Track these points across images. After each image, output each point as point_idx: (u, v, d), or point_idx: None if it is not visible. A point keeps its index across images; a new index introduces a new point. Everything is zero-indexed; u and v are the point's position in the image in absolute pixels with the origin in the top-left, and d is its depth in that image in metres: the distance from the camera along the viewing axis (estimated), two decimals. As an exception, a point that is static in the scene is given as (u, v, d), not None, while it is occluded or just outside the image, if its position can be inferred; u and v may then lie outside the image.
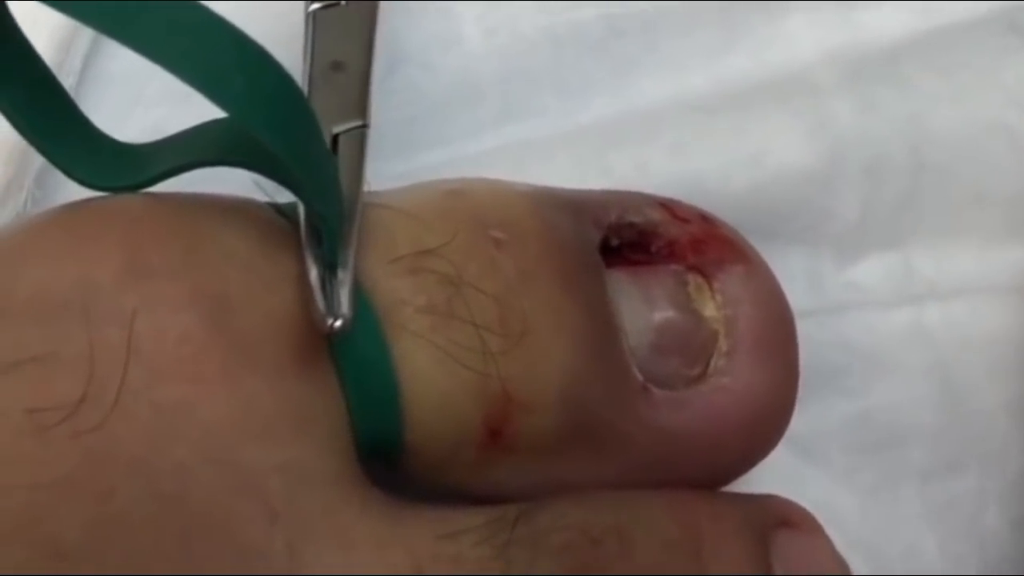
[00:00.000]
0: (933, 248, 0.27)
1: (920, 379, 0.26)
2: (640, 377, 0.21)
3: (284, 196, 0.20)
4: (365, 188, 0.21)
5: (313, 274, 0.19)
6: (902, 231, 0.27)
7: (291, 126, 0.18)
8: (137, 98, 0.26)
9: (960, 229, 0.27)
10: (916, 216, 0.27)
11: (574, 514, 0.20)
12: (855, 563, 0.22)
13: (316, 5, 0.22)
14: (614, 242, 0.22)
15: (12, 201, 0.25)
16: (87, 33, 0.26)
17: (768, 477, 0.22)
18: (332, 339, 0.19)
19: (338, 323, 0.18)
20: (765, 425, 0.22)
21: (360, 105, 0.22)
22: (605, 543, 0.19)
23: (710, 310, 0.22)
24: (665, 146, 0.26)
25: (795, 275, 0.25)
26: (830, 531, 0.22)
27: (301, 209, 0.20)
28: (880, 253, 0.27)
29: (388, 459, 0.20)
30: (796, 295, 0.23)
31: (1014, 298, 0.27)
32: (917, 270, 0.27)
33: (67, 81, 0.25)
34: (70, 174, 0.21)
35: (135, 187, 0.20)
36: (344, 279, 0.19)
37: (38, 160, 0.25)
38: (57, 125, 0.21)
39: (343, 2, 0.22)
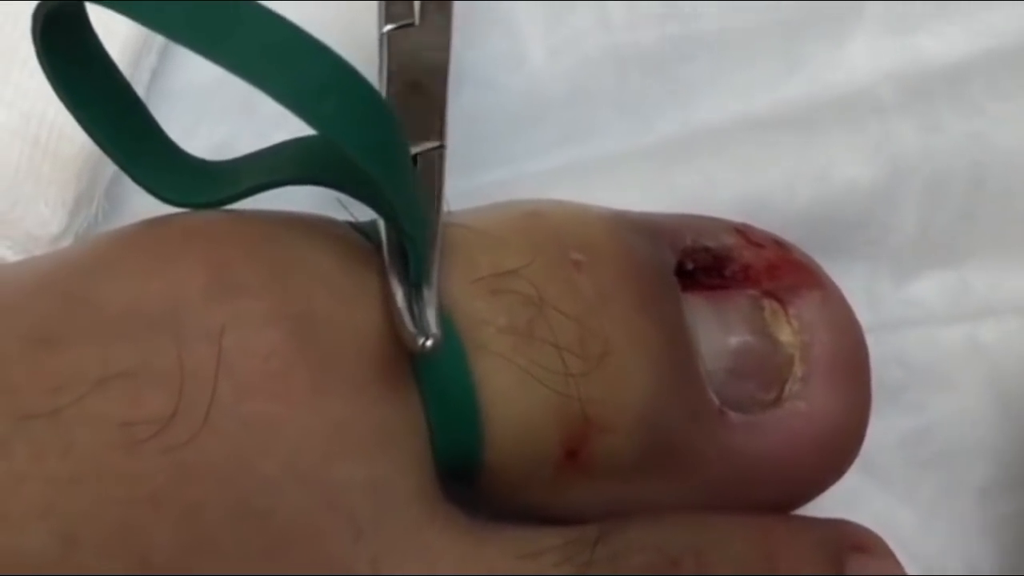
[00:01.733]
0: (989, 266, 0.27)
1: (976, 395, 0.26)
2: (716, 401, 0.21)
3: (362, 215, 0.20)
4: (444, 209, 0.21)
5: (399, 294, 0.19)
6: (959, 249, 0.27)
7: (382, 146, 0.18)
8: (201, 115, 0.26)
9: (1017, 248, 0.27)
10: (974, 234, 0.27)
11: (653, 535, 0.20)
12: (915, 577, 0.22)
13: (390, 26, 0.22)
14: (689, 266, 0.22)
15: (84, 212, 0.25)
16: (156, 48, 0.26)
17: (829, 492, 0.23)
18: (421, 359, 0.19)
19: (429, 342, 0.18)
20: (839, 449, 0.22)
21: (437, 125, 0.22)
22: (683, 563, 0.20)
23: (786, 335, 0.22)
24: (729, 162, 0.26)
25: (855, 291, 0.25)
26: (891, 546, 0.22)
27: (383, 228, 0.20)
28: (937, 270, 0.27)
29: (466, 478, 0.20)
30: (856, 311, 0.23)
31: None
32: (973, 287, 0.27)
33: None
34: (152, 191, 0.21)
35: (216, 204, 0.21)
36: (429, 299, 0.19)
37: (109, 173, 0.26)
38: (138, 142, 0.21)
39: (416, 21, 0.22)
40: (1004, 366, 0.26)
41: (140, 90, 0.26)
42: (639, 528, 0.20)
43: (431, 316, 0.19)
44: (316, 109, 0.17)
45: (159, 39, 0.26)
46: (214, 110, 0.26)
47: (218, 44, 0.16)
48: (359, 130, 0.17)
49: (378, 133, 0.18)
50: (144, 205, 0.21)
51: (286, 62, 0.17)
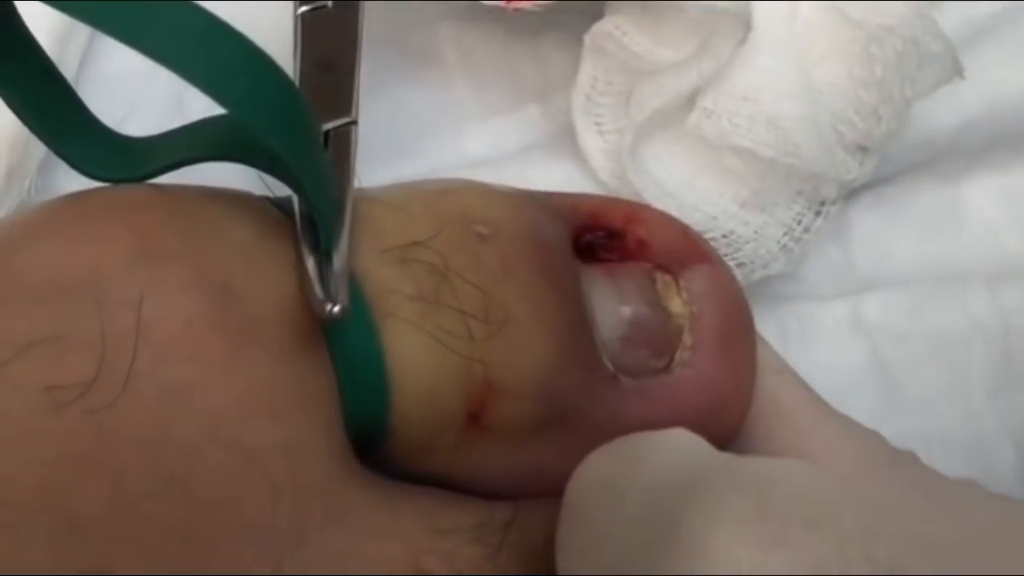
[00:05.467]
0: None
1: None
2: (610, 367, 0.22)
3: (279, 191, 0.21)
4: (355, 184, 0.22)
5: (310, 263, 0.20)
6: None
7: (290, 126, 0.19)
8: (135, 103, 0.27)
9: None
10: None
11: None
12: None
13: (304, 8, 0.23)
14: (587, 241, 0.23)
15: (16, 188, 0.26)
16: (83, 34, 0.27)
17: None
18: (329, 324, 0.20)
19: (336, 309, 0.19)
20: (725, 414, 0.23)
21: (349, 102, 0.23)
22: None
23: (676, 306, 0.23)
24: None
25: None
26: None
27: (296, 202, 0.21)
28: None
29: (373, 442, 0.21)
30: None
31: None
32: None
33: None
34: (76, 166, 0.22)
35: (139, 179, 0.21)
36: (339, 268, 0.20)
37: (41, 150, 0.26)
38: (63, 120, 0.22)
39: (329, 4, 0.23)
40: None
41: (70, 73, 0.26)
42: (548, 512, 0.20)
43: (340, 284, 0.20)
44: (227, 91, 0.17)
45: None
46: (146, 98, 0.27)
47: (134, 30, 0.17)
48: (267, 111, 0.18)
49: (285, 113, 0.18)
50: (81, 182, 0.22)
51: (199, 47, 0.17)
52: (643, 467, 0.18)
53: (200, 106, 0.20)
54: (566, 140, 0.29)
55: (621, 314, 0.22)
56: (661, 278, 0.23)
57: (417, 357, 0.20)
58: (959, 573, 0.16)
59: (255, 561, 0.19)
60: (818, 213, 0.27)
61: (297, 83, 0.23)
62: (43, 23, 0.24)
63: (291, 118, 0.19)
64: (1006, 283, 0.29)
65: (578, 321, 0.22)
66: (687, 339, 0.23)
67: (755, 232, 0.27)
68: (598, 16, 0.27)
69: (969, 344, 0.29)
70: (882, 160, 0.28)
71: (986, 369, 0.29)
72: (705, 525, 0.16)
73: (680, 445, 0.19)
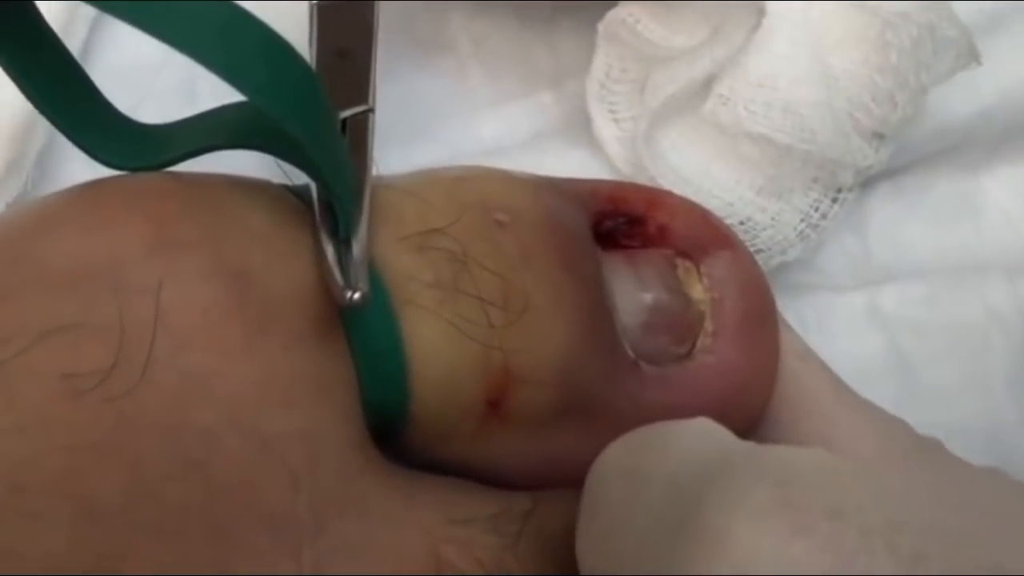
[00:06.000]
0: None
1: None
2: (631, 354, 0.22)
3: (297, 179, 0.21)
4: (373, 171, 0.22)
5: (329, 250, 0.20)
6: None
7: (310, 113, 0.19)
8: (146, 93, 0.27)
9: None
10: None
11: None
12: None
13: (320, -3, 0.23)
14: (608, 227, 0.23)
15: (14, 181, 0.26)
16: (83, 26, 0.27)
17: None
18: (349, 311, 0.20)
19: (356, 295, 0.19)
20: (747, 400, 0.23)
21: (365, 90, 0.22)
22: None
23: (698, 292, 0.23)
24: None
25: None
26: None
27: (314, 189, 0.21)
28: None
29: (392, 431, 0.21)
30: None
31: None
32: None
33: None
34: (94, 155, 0.22)
35: (156, 167, 0.21)
36: (358, 255, 0.20)
37: (39, 142, 0.26)
38: (80, 109, 0.22)
39: (345, -8, 0.23)
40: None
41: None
42: (568, 503, 0.20)
43: (359, 271, 0.20)
44: (248, 78, 0.17)
45: (86, 12, 0.26)
46: (157, 88, 0.27)
47: (155, 19, 0.17)
48: (287, 98, 0.18)
49: (305, 100, 0.18)
50: (74, 175, 0.22)
51: (219, 34, 0.17)
52: (666, 455, 0.18)
53: (209, 96, 0.20)
54: (579, 126, 0.29)
55: (641, 301, 0.22)
56: (682, 264, 0.23)
57: (436, 344, 0.20)
58: (983, 562, 0.16)
59: (274, 548, 0.19)
60: (835, 200, 0.27)
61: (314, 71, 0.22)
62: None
63: (311, 104, 0.19)
64: (1024, 274, 0.29)
65: (598, 308, 0.22)
66: (708, 325, 0.22)
67: (772, 219, 0.27)
68: (610, 3, 0.27)
69: (987, 335, 0.29)
70: (899, 149, 0.28)
71: (1005, 360, 0.29)
72: (727, 514, 0.16)
73: (703, 434, 0.19)
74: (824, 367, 0.23)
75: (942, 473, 0.20)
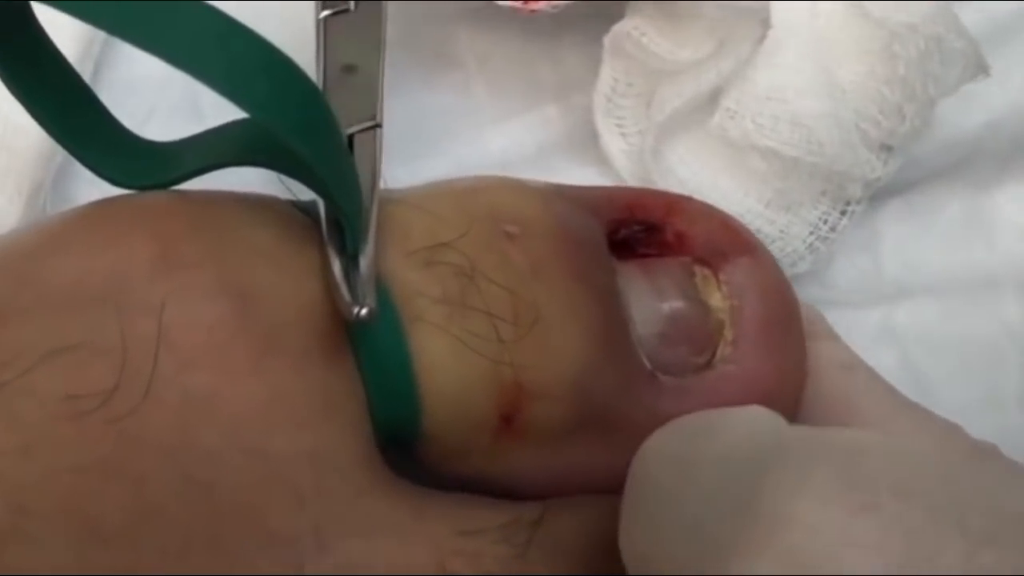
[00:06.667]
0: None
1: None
2: (648, 365, 0.21)
3: (303, 195, 0.21)
4: (380, 185, 0.22)
5: (336, 266, 0.20)
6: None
7: (313, 128, 0.18)
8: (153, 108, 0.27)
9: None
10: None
11: (590, 519, 0.21)
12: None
13: (326, 12, 0.23)
14: (624, 235, 0.23)
15: (37, 202, 0.26)
16: (99, 39, 0.27)
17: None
18: (356, 327, 0.20)
19: (364, 311, 0.19)
20: (772, 408, 0.22)
21: (373, 106, 0.22)
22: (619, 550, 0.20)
23: (716, 300, 0.22)
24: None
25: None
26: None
27: (321, 205, 0.21)
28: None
29: (405, 447, 0.20)
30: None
31: None
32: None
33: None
34: (100, 173, 0.21)
35: (163, 185, 0.21)
36: (365, 270, 0.20)
37: (56, 166, 0.26)
38: (86, 127, 0.21)
39: (352, 7, 0.23)
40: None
41: (86, 78, 0.26)
42: (579, 510, 0.20)
43: (367, 287, 0.19)
44: (247, 93, 0.17)
45: (100, 32, 0.26)
46: (162, 104, 0.27)
47: (151, 35, 0.17)
48: (289, 112, 0.18)
49: (307, 114, 0.18)
50: (90, 195, 0.22)
51: (218, 49, 0.17)
52: (716, 440, 0.18)
53: (216, 111, 0.20)
54: (585, 140, 0.29)
55: (658, 311, 0.22)
56: (700, 272, 0.23)
57: (444, 360, 0.20)
58: None
59: (276, 568, 0.19)
60: (843, 212, 0.27)
61: (320, 87, 0.22)
62: (65, 32, 0.24)
63: (313, 118, 0.18)
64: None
65: (612, 319, 0.21)
66: (728, 334, 0.22)
67: (781, 231, 0.26)
68: (615, 17, 0.27)
69: (1001, 351, 0.29)
70: (908, 163, 0.28)
71: (1018, 376, 0.28)
72: (788, 492, 0.16)
73: (756, 418, 0.18)
74: (872, 374, 0.23)
75: (1002, 474, 0.20)
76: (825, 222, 0.27)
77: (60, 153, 0.26)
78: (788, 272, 0.26)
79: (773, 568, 0.16)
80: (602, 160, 0.28)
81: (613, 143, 0.28)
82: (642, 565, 0.18)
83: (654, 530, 0.18)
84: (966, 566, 0.15)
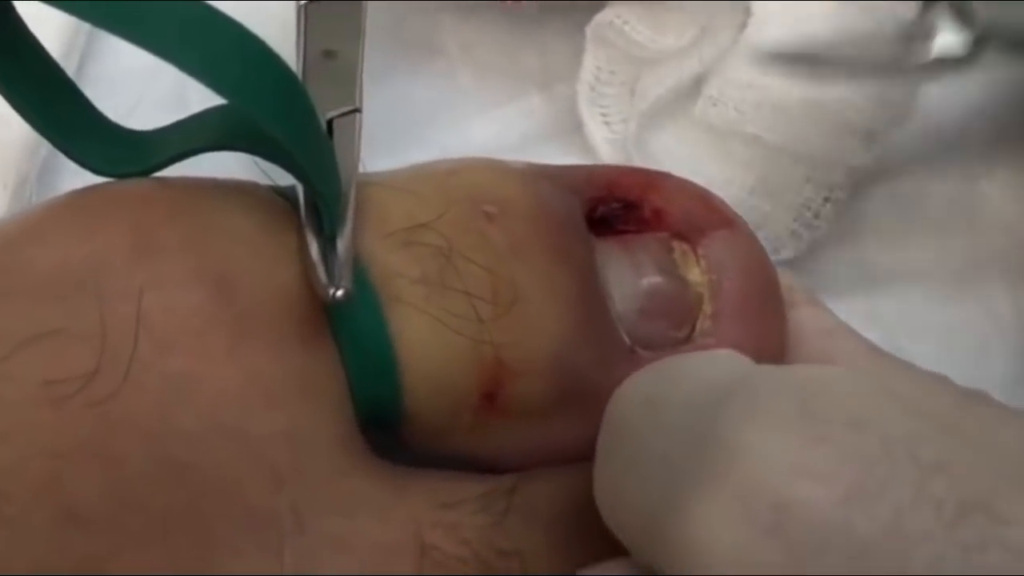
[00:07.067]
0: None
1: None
2: (627, 341, 0.22)
3: (285, 180, 0.21)
4: (360, 169, 0.22)
5: (314, 249, 0.20)
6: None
7: (287, 110, 0.19)
8: (139, 99, 0.27)
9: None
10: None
11: (566, 484, 0.21)
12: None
13: (307, -3, 0.23)
14: (601, 213, 0.23)
15: (23, 195, 0.26)
16: (83, 31, 0.27)
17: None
18: (333, 309, 0.20)
19: (340, 293, 0.19)
20: None
21: (352, 91, 0.23)
22: (594, 511, 0.20)
23: (695, 275, 0.22)
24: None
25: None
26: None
27: (300, 189, 0.21)
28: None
29: (387, 427, 0.20)
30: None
31: None
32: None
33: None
34: (82, 163, 0.22)
35: (143, 173, 0.21)
36: (343, 253, 0.20)
37: (41, 158, 0.26)
38: (68, 117, 0.22)
39: (332, -8, 0.23)
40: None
41: (70, 73, 0.27)
42: (553, 477, 0.21)
43: (344, 269, 0.20)
44: (222, 78, 0.18)
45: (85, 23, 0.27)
46: (148, 96, 0.27)
47: (126, 21, 0.17)
48: (264, 96, 0.18)
49: (282, 98, 0.18)
50: (74, 185, 0.22)
51: (192, 34, 0.17)
52: (683, 380, 0.18)
53: (203, 103, 0.20)
54: (569, 129, 0.29)
55: (637, 286, 0.22)
56: (679, 247, 0.23)
57: (423, 340, 0.20)
58: (1006, 472, 0.16)
59: (255, 548, 0.19)
60: (827, 199, 0.27)
61: (300, 72, 0.23)
62: (50, 25, 0.24)
63: (288, 102, 0.19)
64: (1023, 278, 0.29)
65: (591, 296, 0.21)
66: (707, 308, 0.22)
67: (764, 218, 0.27)
68: (599, 6, 0.27)
69: (987, 340, 0.29)
70: (892, 150, 0.28)
71: (1003, 364, 0.29)
72: (743, 424, 0.16)
73: (721, 359, 0.19)
74: (853, 335, 0.22)
75: (990, 420, 0.20)
76: (808, 209, 0.27)
77: (45, 145, 0.26)
78: (771, 259, 0.26)
79: (730, 498, 0.16)
80: (586, 149, 0.28)
81: (597, 132, 0.28)
82: (615, 508, 0.18)
83: (624, 470, 0.18)
84: (916, 494, 0.15)
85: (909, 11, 0.26)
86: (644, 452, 0.18)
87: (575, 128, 0.28)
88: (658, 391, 0.18)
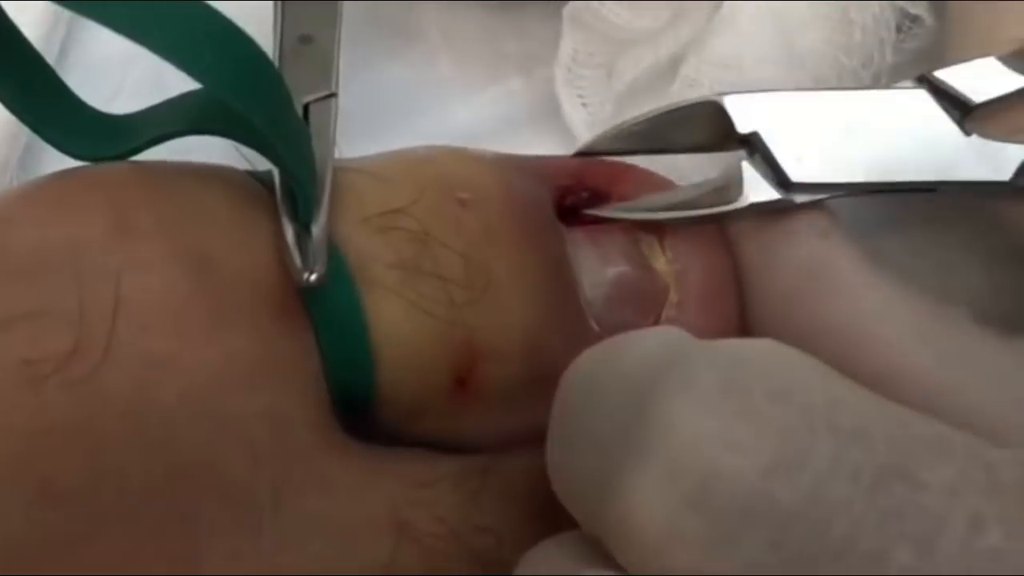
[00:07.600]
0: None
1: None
2: (596, 327, 0.22)
3: (265, 165, 0.22)
4: (336, 154, 0.22)
5: (289, 232, 0.20)
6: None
7: (261, 94, 0.19)
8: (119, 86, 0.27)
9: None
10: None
11: (538, 461, 0.21)
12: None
13: (283, -19, 0.23)
14: (571, 202, 0.23)
15: (3, 179, 0.26)
16: (64, 20, 0.27)
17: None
18: (307, 292, 0.20)
19: (313, 276, 0.19)
20: None
21: (328, 75, 0.23)
22: None
23: (661, 264, 0.23)
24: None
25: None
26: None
27: (276, 173, 0.21)
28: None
29: (362, 409, 0.21)
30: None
31: None
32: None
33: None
34: (61, 148, 0.22)
35: (121, 156, 0.22)
36: (317, 237, 0.20)
37: (22, 143, 0.27)
38: (47, 103, 0.22)
39: (310, -23, 0.23)
40: None
41: (51, 60, 0.27)
42: (527, 455, 0.21)
43: (318, 253, 0.20)
44: (196, 61, 0.18)
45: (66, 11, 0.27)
46: (128, 82, 0.27)
47: (100, 5, 0.17)
48: (238, 79, 0.18)
49: (256, 81, 0.19)
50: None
51: (166, 18, 0.18)
52: (623, 357, 0.19)
53: (182, 89, 0.20)
54: (549, 113, 0.29)
55: (604, 275, 0.23)
56: (645, 238, 0.23)
57: (398, 323, 0.20)
58: (926, 437, 0.17)
59: (234, 526, 0.19)
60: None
61: (277, 57, 0.23)
62: (28, 11, 0.24)
63: (262, 85, 0.19)
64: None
65: (561, 283, 0.22)
66: (673, 296, 0.23)
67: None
68: (576, -13, 0.27)
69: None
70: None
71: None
72: (671, 400, 0.17)
73: (659, 336, 0.19)
74: (847, 242, 0.22)
75: (970, 342, 0.20)
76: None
77: (26, 130, 0.26)
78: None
79: (661, 472, 0.16)
80: (566, 132, 0.29)
81: (575, 113, 0.28)
82: (562, 482, 0.19)
83: (569, 445, 0.19)
84: (834, 462, 0.16)
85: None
86: (585, 427, 0.18)
87: (555, 111, 0.29)
88: (600, 368, 0.19)
